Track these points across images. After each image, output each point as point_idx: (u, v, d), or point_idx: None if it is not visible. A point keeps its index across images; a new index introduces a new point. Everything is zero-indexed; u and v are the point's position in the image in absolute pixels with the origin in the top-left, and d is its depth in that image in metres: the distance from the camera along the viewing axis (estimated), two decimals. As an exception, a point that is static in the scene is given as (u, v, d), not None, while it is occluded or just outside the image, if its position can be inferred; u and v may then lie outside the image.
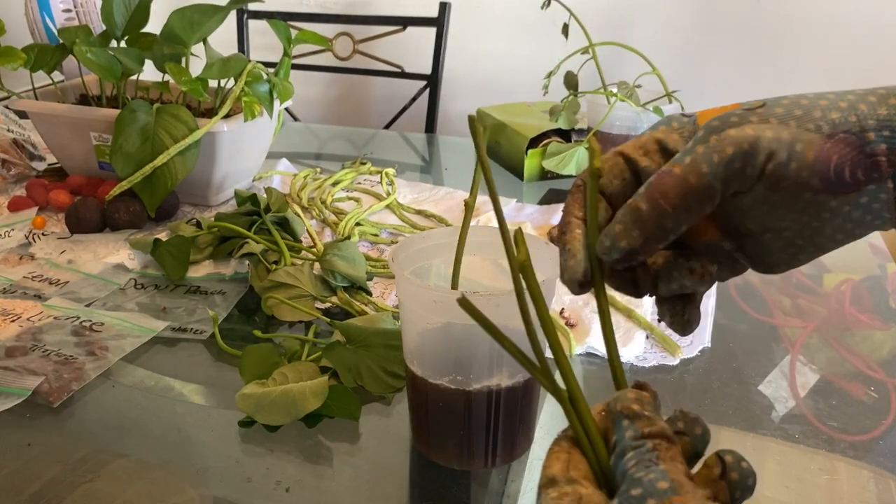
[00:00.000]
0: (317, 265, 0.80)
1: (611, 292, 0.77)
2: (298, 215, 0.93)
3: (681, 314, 0.37)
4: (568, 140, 1.12)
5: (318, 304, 0.76)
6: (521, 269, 0.30)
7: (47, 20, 1.19)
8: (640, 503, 0.25)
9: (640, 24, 1.63)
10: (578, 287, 0.35)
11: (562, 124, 1.06)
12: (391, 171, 1.12)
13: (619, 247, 0.33)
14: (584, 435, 0.29)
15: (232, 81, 0.97)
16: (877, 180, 0.32)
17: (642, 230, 0.33)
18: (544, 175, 1.12)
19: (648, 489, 0.25)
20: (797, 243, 0.35)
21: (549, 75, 1.05)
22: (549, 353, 0.73)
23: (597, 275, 0.34)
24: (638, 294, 0.37)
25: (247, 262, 0.82)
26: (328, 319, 0.71)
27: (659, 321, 0.40)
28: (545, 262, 0.51)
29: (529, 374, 0.52)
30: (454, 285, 0.53)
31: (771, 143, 0.32)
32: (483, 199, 1.02)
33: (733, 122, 0.33)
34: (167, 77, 0.97)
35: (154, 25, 0.99)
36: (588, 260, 0.35)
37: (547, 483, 0.28)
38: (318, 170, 1.14)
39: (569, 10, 1.04)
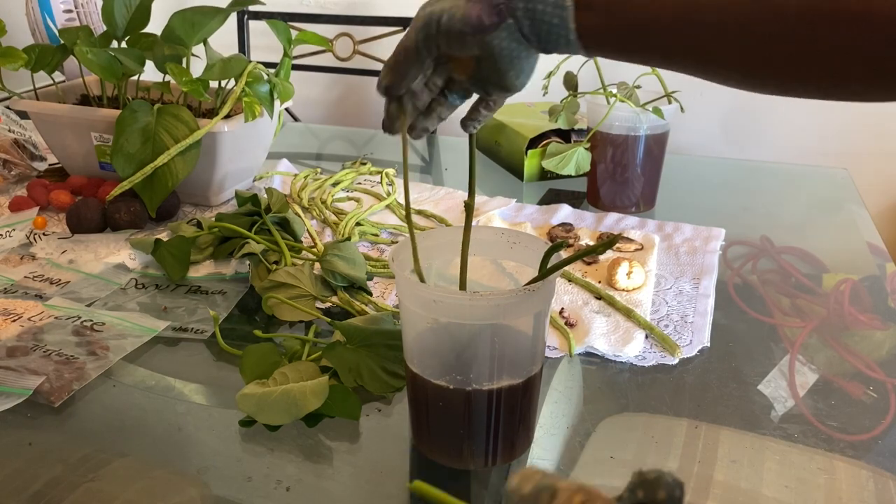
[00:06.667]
0: (317, 265, 0.80)
1: (612, 293, 0.77)
2: (299, 215, 0.94)
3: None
4: (567, 140, 1.12)
5: (319, 304, 0.76)
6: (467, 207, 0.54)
7: (48, 20, 1.19)
8: None
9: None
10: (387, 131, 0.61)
11: (561, 124, 1.06)
12: (391, 171, 1.12)
13: (383, 84, 0.58)
14: None
15: (232, 82, 0.97)
16: (503, 19, 0.50)
17: (392, 74, 0.57)
18: (544, 175, 1.13)
19: None
20: (498, 67, 0.53)
21: (549, 75, 1.05)
22: (549, 354, 0.72)
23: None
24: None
25: (247, 262, 0.82)
26: (328, 319, 0.71)
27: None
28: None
29: (530, 374, 0.53)
30: (461, 286, 0.53)
31: (437, 12, 0.52)
32: (482, 200, 1.02)
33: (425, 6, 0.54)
34: (168, 77, 0.97)
35: (154, 26, 0.99)
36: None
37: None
38: (319, 170, 1.14)
39: (569, 10, 1.03)
